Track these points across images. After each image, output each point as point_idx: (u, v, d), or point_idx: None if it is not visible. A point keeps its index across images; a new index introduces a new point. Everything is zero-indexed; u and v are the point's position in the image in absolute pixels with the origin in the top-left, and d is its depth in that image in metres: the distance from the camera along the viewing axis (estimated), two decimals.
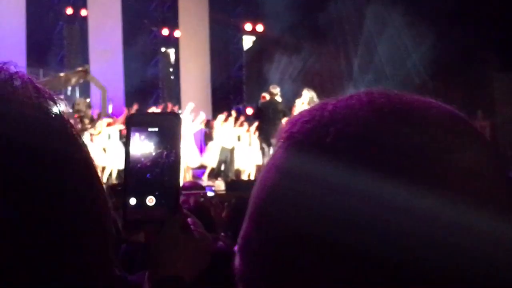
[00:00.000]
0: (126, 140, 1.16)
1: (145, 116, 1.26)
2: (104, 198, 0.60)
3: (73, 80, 16.12)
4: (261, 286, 0.66)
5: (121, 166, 1.40)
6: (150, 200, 1.15)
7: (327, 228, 0.60)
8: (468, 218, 0.58)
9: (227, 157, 16.08)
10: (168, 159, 1.15)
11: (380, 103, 0.65)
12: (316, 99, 14.15)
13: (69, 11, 20.59)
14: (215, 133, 16.19)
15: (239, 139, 16.61)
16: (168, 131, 1.16)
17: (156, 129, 1.15)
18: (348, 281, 0.58)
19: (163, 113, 1.14)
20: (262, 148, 14.72)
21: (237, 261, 0.69)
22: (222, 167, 16.10)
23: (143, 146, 1.14)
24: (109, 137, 15.07)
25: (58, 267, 0.53)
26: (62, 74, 16.39)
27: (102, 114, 15.61)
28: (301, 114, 0.68)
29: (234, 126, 16.54)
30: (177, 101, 19.95)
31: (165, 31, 22.25)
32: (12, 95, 0.55)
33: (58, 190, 0.54)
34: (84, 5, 20.51)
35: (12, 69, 0.58)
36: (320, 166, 0.62)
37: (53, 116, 0.58)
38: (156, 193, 1.15)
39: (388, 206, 0.58)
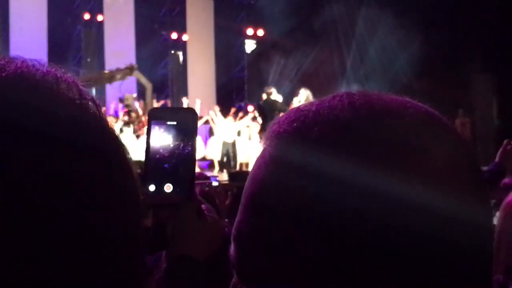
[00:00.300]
0: (147, 132, 1.16)
1: (164, 110, 1.26)
2: (138, 194, 0.59)
3: (118, 77, 15.97)
4: (252, 271, 0.66)
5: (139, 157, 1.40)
6: (168, 187, 1.14)
7: (310, 213, 0.61)
8: (437, 204, 0.60)
9: (228, 151, 16.03)
10: (184, 150, 1.15)
11: (359, 104, 0.65)
12: (311, 98, 14.12)
13: (87, 16, 20.46)
14: (216, 129, 16.15)
15: (239, 134, 16.58)
16: (185, 125, 1.16)
17: (175, 123, 1.15)
18: (329, 260, 0.60)
19: (181, 108, 1.12)
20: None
21: (231, 249, 0.69)
22: (225, 159, 16.04)
23: (162, 137, 1.14)
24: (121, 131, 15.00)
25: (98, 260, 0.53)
26: (106, 71, 16.36)
27: (148, 107, 15.46)
28: (288, 114, 0.69)
29: (235, 121, 16.51)
30: (184, 96, 19.83)
31: (174, 35, 22.10)
32: (58, 97, 0.54)
33: (95, 184, 0.53)
34: (100, 11, 20.41)
35: (58, 72, 0.57)
36: (304, 161, 0.63)
37: (94, 116, 0.57)
38: (173, 181, 1.14)
39: (363, 194, 0.60)
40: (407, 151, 0.62)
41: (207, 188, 5.00)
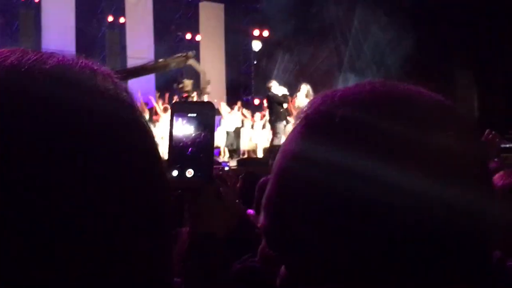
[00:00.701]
0: (170, 123, 1.16)
1: (185, 104, 1.30)
2: (165, 179, 0.58)
3: (172, 65, 15.78)
4: (279, 238, 0.66)
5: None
6: (189, 173, 1.15)
7: (334, 185, 0.61)
8: (443, 190, 0.59)
9: (232, 138, 16.12)
10: (203, 139, 1.16)
11: (380, 90, 0.66)
12: (312, 92, 14.12)
13: (110, 19, 20.52)
14: (222, 120, 16.21)
15: (242, 124, 16.65)
16: (204, 116, 1.17)
17: (195, 115, 1.16)
18: (346, 228, 0.60)
19: (201, 102, 1.15)
20: (272, 129, 14.77)
21: (261, 219, 0.69)
22: (229, 147, 16.13)
23: (184, 128, 1.15)
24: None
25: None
26: (161, 60, 16.01)
27: (203, 93, 15.29)
28: (316, 98, 0.69)
29: (238, 111, 16.63)
30: (198, 93, 19.91)
31: (188, 36, 22.18)
32: (95, 89, 0.54)
33: (128, 171, 0.52)
34: (123, 14, 20.46)
35: (95, 65, 0.57)
36: (329, 140, 0.63)
37: (128, 106, 0.56)
38: (194, 167, 1.15)
39: (380, 171, 0.60)
40: (419, 138, 0.62)
41: (220, 172, 5.02)
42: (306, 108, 0.69)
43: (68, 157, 0.48)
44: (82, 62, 0.56)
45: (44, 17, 18.64)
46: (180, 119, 1.16)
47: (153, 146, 0.57)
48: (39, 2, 18.69)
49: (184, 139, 1.16)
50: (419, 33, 16.70)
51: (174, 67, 16.05)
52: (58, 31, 18.26)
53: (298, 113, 0.70)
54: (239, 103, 17.30)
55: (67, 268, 0.47)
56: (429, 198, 0.59)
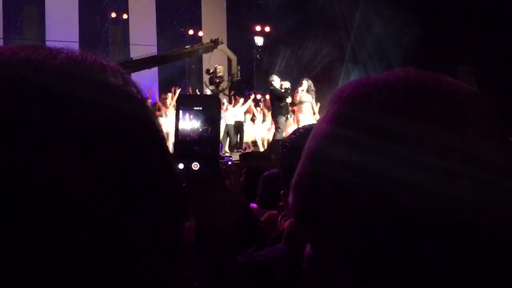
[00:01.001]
0: (175, 117, 1.16)
1: (191, 97, 1.24)
2: (172, 171, 0.58)
3: (200, 51, 15.80)
4: (308, 214, 0.67)
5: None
6: (195, 166, 1.14)
7: (364, 166, 0.62)
8: (474, 176, 0.60)
9: (233, 132, 16.09)
10: (209, 132, 1.15)
11: (413, 76, 0.67)
12: (313, 87, 14.14)
13: (113, 15, 20.47)
14: (224, 115, 16.16)
15: (244, 119, 16.63)
16: (209, 110, 1.16)
17: (200, 108, 1.16)
18: (371, 208, 0.61)
19: (206, 95, 1.09)
20: (274, 123, 14.79)
21: (290, 197, 0.69)
22: (230, 140, 16.10)
23: (190, 121, 1.15)
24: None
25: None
26: (187, 47, 16.08)
27: (234, 78, 15.39)
28: (349, 83, 0.70)
29: (241, 106, 16.59)
30: (200, 88, 19.88)
31: (190, 31, 22.12)
32: (105, 84, 0.54)
33: (135, 160, 0.52)
34: (126, 11, 20.43)
35: (104, 60, 0.56)
36: (363, 120, 0.64)
37: (138, 101, 0.56)
38: (200, 160, 1.15)
39: (415, 151, 0.60)
40: (450, 126, 0.62)
41: (224, 167, 5.04)
42: (339, 91, 0.69)
43: (80, 151, 0.48)
44: (91, 57, 0.56)
45: (48, 13, 18.64)
46: (186, 112, 1.15)
47: (162, 139, 0.57)
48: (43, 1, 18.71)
49: (190, 132, 1.15)
50: (421, 30, 16.64)
51: (202, 53, 16.02)
52: (62, 26, 18.25)
53: (332, 95, 0.70)
54: (241, 99, 17.23)
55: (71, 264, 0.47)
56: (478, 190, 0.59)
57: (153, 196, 0.53)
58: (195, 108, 1.15)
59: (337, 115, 0.67)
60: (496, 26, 15.34)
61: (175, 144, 1.15)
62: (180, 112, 1.15)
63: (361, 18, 19.29)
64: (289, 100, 14.21)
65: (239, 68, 15.82)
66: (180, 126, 1.15)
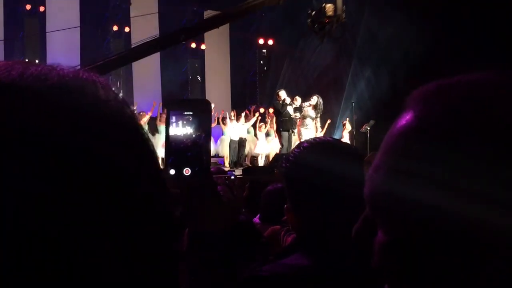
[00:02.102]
0: (166, 122, 1.16)
1: (181, 102, 1.24)
2: (163, 182, 0.60)
3: (266, 2, 14.87)
4: (382, 202, 0.67)
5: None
6: (186, 171, 1.14)
7: (444, 161, 0.61)
8: None
9: (235, 147, 16.13)
10: (200, 137, 1.15)
11: (500, 79, 0.65)
12: (321, 106, 14.25)
13: (115, 28, 20.60)
14: (226, 130, 16.22)
15: (248, 132, 16.70)
16: (200, 114, 1.16)
17: (191, 113, 1.15)
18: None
19: (196, 100, 1.09)
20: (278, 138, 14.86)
21: (366, 188, 0.70)
22: (233, 156, 16.14)
23: (180, 126, 1.15)
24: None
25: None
26: (249, 0, 15.06)
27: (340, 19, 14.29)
28: (428, 86, 0.68)
29: (245, 122, 16.63)
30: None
31: (193, 45, 22.24)
32: (96, 96, 0.55)
33: (127, 171, 0.54)
34: (127, 24, 20.55)
35: (95, 77, 0.58)
36: (445, 119, 0.62)
37: (129, 116, 0.57)
38: (191, 165, 1.15)
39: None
40: None
41: (227, 182, 5.04)
42: (417, 94, 0.68)
43: (72, 166, 0.49)
44: (83, 74, 0.57)
45: (49, 25, 18.76)
46: (176, 117, 1.15)
47: (152, 153, 0.58)
48: (44, 11, 18.84)
49: (181, 138, 1.15)
50: (426, 39, 16.68)
51: (267, 5, 15.26)
52: (63, 40, 18.36)
53: (410, 98, 0.69)
54: (242, 114, 17.27)
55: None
56: None
57: (142, 208, 0.54)
58: (185, 113, 1.15)
59: (420, 115, 0.65)
60: (504, 34, 15.35)
61: (166, 150, 1.16)
62: (171, 117, 1.15)
63: (366, 29, 19.34)
64: (298, 115, 14.25)
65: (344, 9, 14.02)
66: (171, 131, 1.15)
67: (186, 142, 1.15)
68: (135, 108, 16.11)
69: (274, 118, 15.48)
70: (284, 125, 14.31)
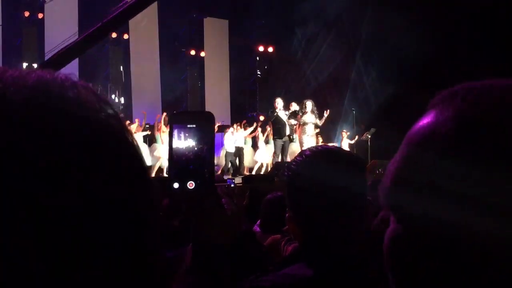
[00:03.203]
0: (169, 135, 1.16)
1: (184, 114, 1.23)
2: (149, 184, 0.60)
3: None
4: (399, 202, 0.67)
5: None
6: (190, 184, 1.14)
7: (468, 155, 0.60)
8: None
9: (232, 158, 16.16)
10: (203, 150, 1.15)
11: None
12: (315, 108, 14.27)
13: (114, 35, 20.62)
14: (227, 141, 16.27)
15: (245, 142, 16.75)
16: (203, 127, 1.16)
17: (194, 126, 1.15)
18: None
19: (200, 112, 1.09)
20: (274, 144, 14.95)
21: (385, 178, 0.70)
22: (229, 165, 16.16)
23: (184, 139, 1.15)
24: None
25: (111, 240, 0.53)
26: None
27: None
28: (454, 89, 0.67)
29: (244, 130, 16.69)
30: (201, 108, 20.00)
31: (192, 52, 22.29)
32: (76, 98, 0.55)
33: (110, 172, 0.54)
34: (126, 31, 20.57)
35: (75, 78, 0.58)
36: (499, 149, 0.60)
37: (111, 116, 0.57)
38: (194, 178, 1.14)
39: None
40: None
41: (226, 190, 5.04)
42: (450, 92, 0.67)
43: (53, 167, 0.49)
44: (61, 76, 0.57)
45: (47, 32, 18.81)
46: (179, 130, 1.15)
47: (137, 154, 0.58)
48: (43, 18, 18.89)
49: (184, 151, 1.15)
50: (431, 44, 16.74)
51: None
52: (61, 45, 18.39)
53: (442, 96, 0.68)
54: (235, 125, 17.23)
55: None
56: None
57: (125, 208, 0.54)
58: (188, 126, 1.15)
59: (457, 131, 0.63)
60: (502, 44, 15.40)
61: (169, 163, 1.16)
62: (174, 130, 1.15)
63: (366, 37, 19.40)
64: (293, 122, 14.34)
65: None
66: (174, 144, 1.15)
67: (188, 155, 1.14)
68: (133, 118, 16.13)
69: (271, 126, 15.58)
70: (277, 132, 14.43)
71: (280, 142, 14.34)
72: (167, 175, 1.20)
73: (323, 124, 14.65)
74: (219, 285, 1.18)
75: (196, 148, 1.15)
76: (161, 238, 0.60)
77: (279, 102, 14.54)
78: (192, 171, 1.15)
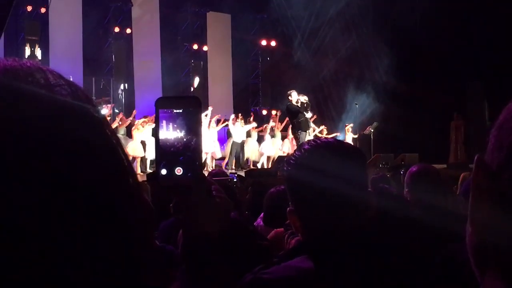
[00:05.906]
0: (155, 120, 1.13)
1: (170, 99, 1.19)
2: (136, 180, 0.61)
3: None
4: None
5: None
6: (178, 170, 1.12)
7: None
8: None
9: (237, 149, 16.15)
10: (191, 136, 1.13)
11: None
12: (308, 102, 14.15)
13: (116, 29, 20.58)
14: (231, 131, 16.27)
15: (249, 135, 16.79)
16: (190, 112, 1.13)
17: (181, 111, 1.13)
18: None
19: (186, 97, 1.05)
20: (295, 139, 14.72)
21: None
22: (234, 157, 16.15)
23: (170, 125, 1.12)
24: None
25: (101, 239, 0.54)
26: None
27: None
28: None
29: (245, 124, 16.66)
30: (205, 104, 19.96)
31: (195, 46, 22.24)
32: (48, 84, 0.56)
33: (93, 169, 0.54)
34: (129, 25, 20.54)
35: (42, 65, 0.59)
36: None
37: (96, 115, 0.58)
38: (182, 164, 1.12)
39: None
40: None
41: (229, 184, 5.00)
42: None
43: (23, 152, 0.50)
44: (29, 63, 0.58)
45: (50, 27, 18.78)
46: (165, 115, 1.13)
47: (108, 135, 0.58)
48: (46, 13, 18.85)
49: (171, 137, 1.12)
50: (432, 48, 16.71)
51: None
52: (66, 43, 18.39)
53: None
54: (239, 116, 17.17)
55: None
56: None
57: (95, 196, 0.54)
58: (175, 111, 1.13)
59: None
60: (506, 41, 15.36)
61: (156, 150, 1.14)
62: (160, 115, 1.13)
63: (368, 36, 19.36)
64: (308, 115, 14.11)
65: None
66: (161, 130, 1.13)
67: (175, 141, 1.13)
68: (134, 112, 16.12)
69: (286, 119, 15.37)
70: (303, 125, 13.99)
71: (305, 134, 13.96)
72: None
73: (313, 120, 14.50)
74: (215, 279, 1.17)
75: (183, 134, 1.13)
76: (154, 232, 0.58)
77: (294, 96, 14.24)
78: (180, 156, 1.13)
